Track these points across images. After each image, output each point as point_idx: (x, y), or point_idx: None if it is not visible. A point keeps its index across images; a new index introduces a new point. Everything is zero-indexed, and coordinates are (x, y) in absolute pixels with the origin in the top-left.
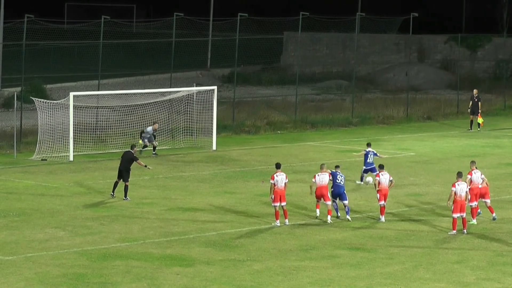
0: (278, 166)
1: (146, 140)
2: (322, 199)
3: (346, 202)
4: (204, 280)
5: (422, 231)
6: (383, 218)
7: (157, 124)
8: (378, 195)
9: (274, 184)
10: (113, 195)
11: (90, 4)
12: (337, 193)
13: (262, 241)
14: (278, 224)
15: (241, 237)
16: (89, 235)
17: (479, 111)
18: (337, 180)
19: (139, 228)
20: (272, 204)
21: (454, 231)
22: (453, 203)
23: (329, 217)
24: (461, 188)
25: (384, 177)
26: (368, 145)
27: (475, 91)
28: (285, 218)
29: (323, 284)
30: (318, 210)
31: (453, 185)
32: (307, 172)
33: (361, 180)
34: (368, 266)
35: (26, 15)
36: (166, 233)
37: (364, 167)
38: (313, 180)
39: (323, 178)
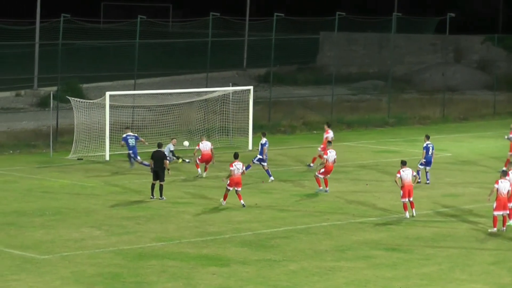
0: (236, 156)
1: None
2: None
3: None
4: (240, 280)
5: (459, 232)
6: (407, 214)
7: (175, 140)
8: (401, 192)
9: (232, 171)
10: (153, 197)
11: (126, 4)
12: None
13: (297, 241)
14: (224, 204)
15: (277, 237)
16: (125, 235)
17: None
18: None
19: (175, 228)
20: (227, 187)
21: (495, 229)
22: (495, 200)
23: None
24: (504, 186)
25: (406, 173)
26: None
27: None
28: (240, 199)
29: (359, 285)
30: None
31: (496, 182)
32: (343, 172)
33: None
34: (404, 267)
35: (62, 15)
36: (201, 233)
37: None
38: (198, 147)
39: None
